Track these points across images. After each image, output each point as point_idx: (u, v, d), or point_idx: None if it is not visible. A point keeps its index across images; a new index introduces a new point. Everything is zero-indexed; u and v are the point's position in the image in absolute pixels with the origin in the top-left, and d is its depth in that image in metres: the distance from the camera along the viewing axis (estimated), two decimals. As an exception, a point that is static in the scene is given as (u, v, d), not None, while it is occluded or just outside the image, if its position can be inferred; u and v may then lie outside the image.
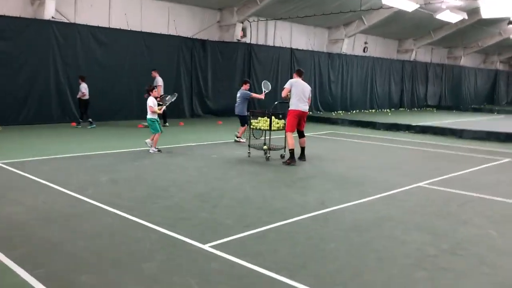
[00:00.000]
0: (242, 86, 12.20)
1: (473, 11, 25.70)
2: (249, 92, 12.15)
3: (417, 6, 21.00)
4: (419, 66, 30.70)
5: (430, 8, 23.27)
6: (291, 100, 9.13)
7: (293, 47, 22.84)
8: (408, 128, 15.70)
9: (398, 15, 23.47)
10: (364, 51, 27.18)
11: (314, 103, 23.38)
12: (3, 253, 4.21)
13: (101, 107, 15.60)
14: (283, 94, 9.21)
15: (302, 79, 9.38)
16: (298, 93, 9.09)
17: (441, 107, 30.87)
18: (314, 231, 5.10)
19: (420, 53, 31.07)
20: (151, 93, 10.16)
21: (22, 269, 3.89)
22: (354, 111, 25.04)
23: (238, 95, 12.10)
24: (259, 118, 9.81)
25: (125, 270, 3.98)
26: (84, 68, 15.24)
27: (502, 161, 10.19)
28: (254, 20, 20.73)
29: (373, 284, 3.83)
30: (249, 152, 9.84)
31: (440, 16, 23.67)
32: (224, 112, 19.25)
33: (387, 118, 19.85)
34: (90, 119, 14.11)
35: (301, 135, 9.51)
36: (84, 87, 13.89)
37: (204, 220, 5.41)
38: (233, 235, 4.84)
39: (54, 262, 4.09)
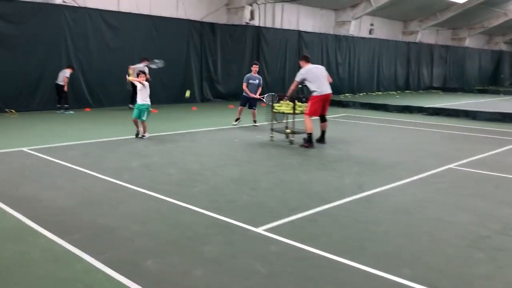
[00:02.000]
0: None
1: (479, -8, 25.57)
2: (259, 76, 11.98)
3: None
4: (424, 48, 30.56)
5: (438, -11, 23.15)
6: (312, 85, 9.07)
7: (300, 29, 22.68)
8: (421, 110, 15.70)
9: (406, -4, 23.35)
10: (370, 33, 27.02)
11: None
12: (63, 239, 4.24)
13: (113, 91, 15.56)
14: (293, 87, 9.21)
15: (310, 63, 9.34)
16: (317, 77, 9.07)
17: (446, 89, 30.82)
18: (360, 214, 5.14)
19: (424, 35, 30.90)
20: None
21: (87, 254, 3.91)
22: (361, 94, 25.01)
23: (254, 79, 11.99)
24: (281, 101, 9.79)
25: (186, 254, 4.01)
26: (95, 52, 15.15)
27: (522, 143, 10.22)
28: (262, 3, 20.54)
29: (437, 265, 3.87)
30: (271, 136, 9.85)
31: (448, -4, 23.53)
32: (234, 96, 19.16)
33: (397, 100, 19.85)
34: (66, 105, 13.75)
35: (323, 119, 9.45)
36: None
37: (248, 203, 5.44)
38: (283, 219, 4.87)
39: (116, 247, 4.12)
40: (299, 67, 9.65)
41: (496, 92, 28.31)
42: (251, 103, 11.95)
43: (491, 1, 27.96)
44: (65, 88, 13.48)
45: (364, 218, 5.00)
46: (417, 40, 29.95)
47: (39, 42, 13.87)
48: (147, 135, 9.75)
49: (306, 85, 9.35)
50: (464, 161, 8.02)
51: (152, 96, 16.26)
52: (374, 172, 7.12)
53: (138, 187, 5.99)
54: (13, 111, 13.05)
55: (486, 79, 37.51)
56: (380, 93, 26.40)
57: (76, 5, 15.01)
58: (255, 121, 12.07)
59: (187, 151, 8.52)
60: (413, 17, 29.20)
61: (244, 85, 11.86)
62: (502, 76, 38.92)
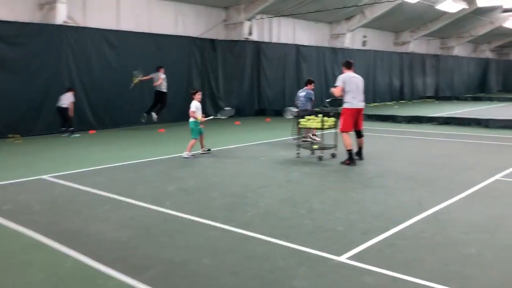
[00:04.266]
0: (306, 85, 11.60)
1: (470, 1, 25.90)
2: (312, 92, 11.53)
3: (421, -4, 20.98)
4: (416, 58, 30.77)
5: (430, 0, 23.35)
6: (345, 97, 8.77)
7: (297, 43, 22.57)
8: (431, 120, 15.59)
9: (399, 7, 23.45)
10: (363, 44, 27.09)
11: (320, 100, 23.19)
12: (135, 278, 3.83)
13: (117, 112, 15.12)
14: (337, 93, 8.76)
15: (353, 71, 9.04)
16: (353, 89, 8.73)
17: (439, 97, 31.02)
18: (438, 235, 4.83)
19: (416, 45, 31.14)
20: (193, 97, 9.78)
21: (173, 296, 3.51)
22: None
23: (302, 94, 11.45)
24: (306, 117, 9.50)
25: (280, 291, 3.64)
26: (98, 73, 14.72)
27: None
28: (261, 18, 20.39)
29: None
30: (298, 153, 9.52)
31: (441, 6, 23.76)
32: (236, 112, 18.85)
33: (404, 111, 19.76)
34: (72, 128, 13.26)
35: (359, 134, 9.02)
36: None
37: (313, 228, 5.08)
38: (360, 245, 4.53)
39: (193, 285, 3.72)
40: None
41: (490, 99, 28.57)
42: None
43: (479, 10, 28.36)
44: (71, 113, 13.03)
45: (446, 240, 4.69)
46: (409, 50, 30.14)
47: (41, 64, 13.37)
48: (185, 154, 9.55)
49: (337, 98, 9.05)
50: (507, 171, 7.80)
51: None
52: (424, 188, 6.83)
53: (187, 214, 5.59)
54: (17, 136, 12.47)
55: (475, 86, 37.95)
56: (377, 104, 26.35)
57: (77, 25, 14.59)
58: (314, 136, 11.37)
59: (217, 172, 8.13)
60: (405, 27, 29.43)
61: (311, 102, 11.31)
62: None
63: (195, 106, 9.71)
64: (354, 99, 8.69)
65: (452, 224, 5.17)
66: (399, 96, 29.33)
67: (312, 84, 11.52)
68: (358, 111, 8.79)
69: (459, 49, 35.98)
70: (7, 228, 5.20)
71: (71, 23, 14.37)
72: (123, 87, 15.33)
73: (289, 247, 4.52)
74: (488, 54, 40.69)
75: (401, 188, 6.81)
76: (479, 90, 37.96)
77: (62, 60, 13.87)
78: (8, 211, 5.82)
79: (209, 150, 9.97)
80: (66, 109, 13.02)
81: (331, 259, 4.21)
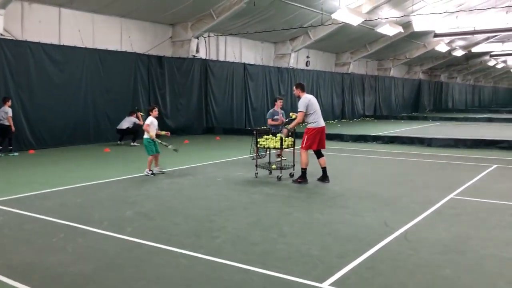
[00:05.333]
0: (276, 103, 11.40)
1: (406, 25, 27.26)
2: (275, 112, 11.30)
3: (363, 19, 21.75)
4: (356, 78, 31.88)
5: (370, 23, 24.29)
6: (310, 117, 8.74)
7: (244, 61, 22.66)
8: (376, 139, 16.05)
9: (341, 29, 24.20)
10: (306, 65, 27.67)
11: (264, 118, 23.31)
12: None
13: (58, 130, 14.36)
14: (300, 119, 8.80)
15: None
16: (316, 108, 8.79)
17: (378, 116, 32.22)
18: (413, 257, 4.83)
19: (355, 66, 32.26)
20: (150, 113, 9.47)
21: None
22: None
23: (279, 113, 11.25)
24: (265, 136, 9.41)
25: (268, 324, 3.44)
26: (38, 89, 13.92)
27: (492, 168, 10.59)
28: (208, 36, 20.29)
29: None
30: (256, 173, 9.38)
31: (381, 29, 24.75)
32: (183, 130, 18.55)
33: (345, 130, 20.23)
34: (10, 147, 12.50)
35: (320, 155, 8.93)
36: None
37: (288, 253, 4.93)
38: (339, 269, 4.43)
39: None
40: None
41: (425, 119, 30.03)
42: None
43: (413, 34, 29.91)
44: (12, 128, 12.18)
45: (421, 261, 4.69)
46: (349, 71, 31.16)
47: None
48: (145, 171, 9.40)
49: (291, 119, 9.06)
50: (459, 190, 8.07)
51: (99, 134, 15.47)
52: (386, 207, 6.90)
53: (152, 241, 5.26)
54: None
55: (410, 106, 39.87)
56: (320, 122, 26.86)
57: (15, 38, 13.75)
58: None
59: (176, 194, 7.81)
60: (345, 49, 30.42)
61: (269, 121, 11.12)
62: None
63: (150, 120, 9.40)
64: (318, 118, 8.74)
65: (422, 244, 5.21)
66: (341, 115, 30.16)
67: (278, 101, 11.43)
68: (322, 129, 8.83)
69: (395, 71, 37.72)
70: None
71: (8, 36, 13.52)
72: (65, 104, 14.61)
73: (267, 275, 4.33)
74: (420, 76, 42.95)
75: (364, 208, 6.84)
76: (413, 110, 39.94)
77: (-2, 75, 13.00)
78: None
79: (153, 173, 9.45)
80: (6, 126, 12.16)
81: (314, 286, 4.07)
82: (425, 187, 8.37)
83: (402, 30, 26.21)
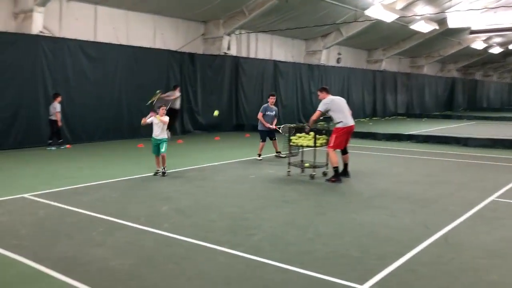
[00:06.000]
0: (270, 99, 11.59)
1: (441, 22, 26.63)
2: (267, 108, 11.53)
3: (397, 16, 21.38)
4: (388, 76, 31.35)
5: (404, 19, 23.83)
6: (337, 117, 8.73)
7: (274, 59, 22.59)
8: (410, 138, 15.75)
9: (373, 26, 23.83)
10: (337, 62, 27.39)
11: (297, 115, 23.22)
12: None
13: (92, 125, 14.62)
14: (315, 117, 8.85)
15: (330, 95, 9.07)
16: (341, 109, 8.82)
17: (410, 115, 31.62)
18: (455, 260, 4.71)
19: (387, 63, 31.76)
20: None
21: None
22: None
23: (273, 110, 11.57)
24: (298, 134, 9.35)
25: (310, 326, 3.40)
26: (75, 85, 14.20)
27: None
28: (240, 33, 20.31)
29: None
30: (289, 171, 9.33)
31: (414, 26, 24.29)
32: (214, 127, 18.63)
33: (377, 128, 19.94)
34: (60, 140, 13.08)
35: (344, 151, 9.07)
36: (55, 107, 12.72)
37: (326, 253, 4.87)
38: (379, 271, 4.35)
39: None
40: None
41: (459, 117, 29.30)
42: (270, 135, 11.48)
43: (448, 31, 29.21)
44: (59, 123, 12.73)
45: (464, 266, 4.57)
46: (381, 68, 30.69)
47: (14, 75, 12.78)
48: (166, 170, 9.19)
49: (328, 116, 9.01)
50: (500, 192, 7.84)
51: (132, 129, 15.68)
52: (424, 208, 6.75)
53: (189, 237, 5.29)
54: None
55: (443, 104, 38.98)
56: (351, 120, 26.56)
57: (53, 35, 14.07)
58: (278, 152, 11.55)
59: (210, 191, 7.84)
60: (377, 46, 29.96)
61: (260, 115, 11.43)
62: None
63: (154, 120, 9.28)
64: (345, 118, 8.69)
65: (464, 248, 5.07)
66: (372, 112, 29.73)
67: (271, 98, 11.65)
68: (350, 129, 8.79)
69: (428, 68, 36.94)
70: (-6, 254, 4.77)
71: (47, 33, 13.85)
72: (100, 100, 14.87)
73: (306, 275, 4.29)
74: (454, 73, 41.94)
75: (402, 209, 6.71)
76: (447, 108, 39.01)
77: (37, 72, 13.31)
78: (-7, 235, 5.38)
79: (157, 172, 9.23)
80: (54, 121, 12.72)
81: (354, 288, 4.02)
82: (463, 188, 8.16)
83: (437, 27, 25.65)
